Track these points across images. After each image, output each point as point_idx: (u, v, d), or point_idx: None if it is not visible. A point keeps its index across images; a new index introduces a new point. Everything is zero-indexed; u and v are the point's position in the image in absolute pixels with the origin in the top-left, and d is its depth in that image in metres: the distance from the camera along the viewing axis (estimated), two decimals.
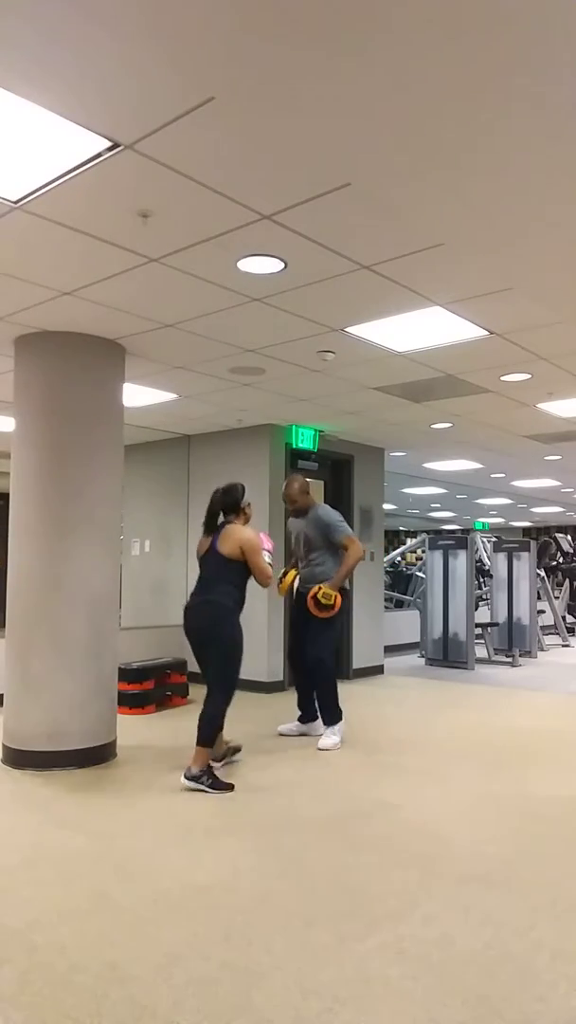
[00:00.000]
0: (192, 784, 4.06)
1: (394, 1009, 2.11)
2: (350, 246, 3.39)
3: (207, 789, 4.04)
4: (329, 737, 5.08)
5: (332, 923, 2.61)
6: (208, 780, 4.07)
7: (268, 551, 4.46)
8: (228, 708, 4.29)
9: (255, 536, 4.40)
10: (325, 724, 5.18)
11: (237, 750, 4.72)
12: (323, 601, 5.12)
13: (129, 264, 3.60)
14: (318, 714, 5.34)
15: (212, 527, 4.47)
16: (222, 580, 4.32)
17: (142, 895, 2.83)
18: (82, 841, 3.37)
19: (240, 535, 4.35)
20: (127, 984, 2.22)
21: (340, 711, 5.20)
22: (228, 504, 4.50)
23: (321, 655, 5.22)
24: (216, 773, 4.18)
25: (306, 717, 5.48)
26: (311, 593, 5.17)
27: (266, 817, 3.73)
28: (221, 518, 4.50)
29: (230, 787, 4.10)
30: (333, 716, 5.17)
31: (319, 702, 5.24)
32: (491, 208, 3.02)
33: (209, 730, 4.16)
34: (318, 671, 5.23)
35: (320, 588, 5.15)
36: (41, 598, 4.57)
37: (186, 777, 4.08)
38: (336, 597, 5.14)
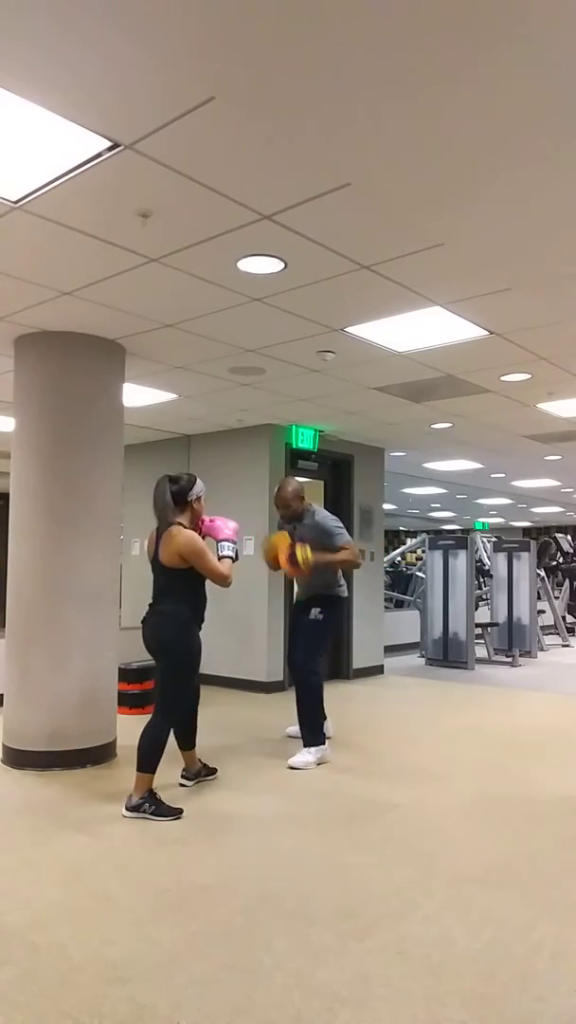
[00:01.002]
0: (133, 815, 3.63)
1: (394, 1009, 2.11)
2: (350, 246, 3.39)
3: (151, 817, 3.62)
4: (303, 755, 4.64)
5: (332, 923, 2.61)
6: (151, 807, 3.64)
7: (229, 540, 3.92)
8: (171, 728, 3.89)
9: (195, 538, 3.79)
10: (305, 743, 4.71)
11: (213, 772, 4.33)
12: (298, 558, 4.62)
13: (129, 264, 3.60)
14: (326, 715, 5.13)
15: (163, 526, 3.85)
16: (170, 590, 3.85)
17: (142, 895, 2.83)
18: (82, 841, 3.37)
19: (178, 542, 3.75)
20: (127, 984, 2.22)
21: (322, 735, 4.78)
22: (174, 495, 3.84)
23: (307, 666, 4.88)
24: (172, 793, 3.84)
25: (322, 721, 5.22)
26: (293, 547, 4.68)
27: (266, 817, 3.73)
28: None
29: (178, 813, 3.66)
30: (313, 736, 4.71)
31: (298, 716, 4.83)
32: (491, 208, 3.02)
33: (149, 753, 3.72)
34: (301, 682, 4.87)
35: (304, 550, 4.64)
36: (41, 598, 4.57)
37: (127, 808, 3.65)
38: (309, 564, 4.62)
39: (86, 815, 3.73)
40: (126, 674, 6.02)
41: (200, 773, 4.27)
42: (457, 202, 2.97)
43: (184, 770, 4.21)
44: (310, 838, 3.43)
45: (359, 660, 8.38)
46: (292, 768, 4.56)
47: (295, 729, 5.01)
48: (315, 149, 2.61)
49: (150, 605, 3.94)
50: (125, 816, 3.66)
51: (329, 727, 5.18)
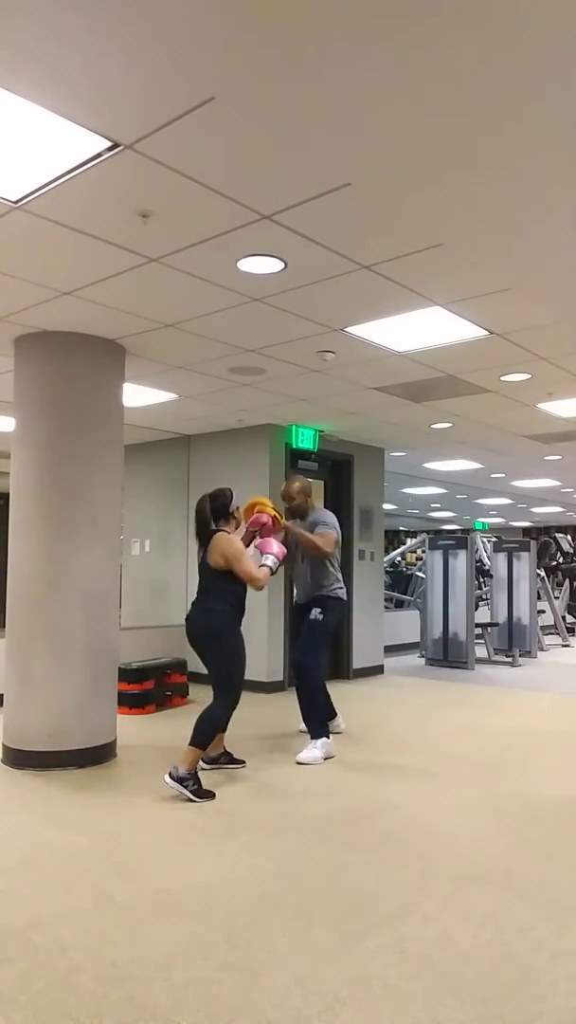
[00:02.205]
0: (175, 785, 3.89)
1: (394, 1009, 2.11)
2: (350, 246, 3.39)
3: (189, 795, 3.87)
4: (310, 751, 4.76)
5: (332, 923, 2.61)
6: (193, 785, 3.91)
7: (273, 555, 4.39)
8: (231, 713, 4.24)
9: (238, 544, 4.32)
10: (312, 736, 4.86)
11: (239, 763, 4.57)
12: (272, 511, 4.69)
13: (129, 264, 3.60)
14: (336, 712, 5.24)
15: (204, 536, 4.36)
16: (215, 589, 4.31)
17: (142, 895, 2.83)
18: (82, 841, 3.37)
19: (222, 544, 4.25)
20: (127, 984, 2.22)
21: (326, 727, 4.94)
22: (216, 510, 4.38)
23: (304, 661, 4.97)
24: (200, 777, 4.02)
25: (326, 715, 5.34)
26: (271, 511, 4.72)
27: (266, 817, 3.73)
28: (212, 525, 4.36)
29: (212, 796, 3.94)
30: (315, 729, 4.87)
31: (301, 711, 4.96)
32: (491, 208, 3.02)
33: (205, 731, 4.06)
34: (301, 677, 4.98)
35: (283, 522, 4.77)
36: (41, 598, 4.57)
37: (171, 776, 3.92)
38: (278, 524, 4.69)
39: (86, 815, 3.73)
40: (126, 674, 6.02)
41: (219, 760, 4.52)
42: (457, 202, 2.97)
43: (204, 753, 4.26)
44: (310, 838, 3.43)
45: (359, 660, 8.38)
46: (300, 763, 4.65)
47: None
48: (315, 149, 2.61)
49: (194, 603, 4.41)
50: (166, 783, 3.91)
51: (340, 723, 5.41)
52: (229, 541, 4.28)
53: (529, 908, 2.74)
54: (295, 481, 5.25)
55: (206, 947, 2.44)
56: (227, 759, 4.57)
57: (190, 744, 4.01)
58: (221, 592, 4.29)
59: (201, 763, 4.22)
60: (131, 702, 6.07)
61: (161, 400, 6.38)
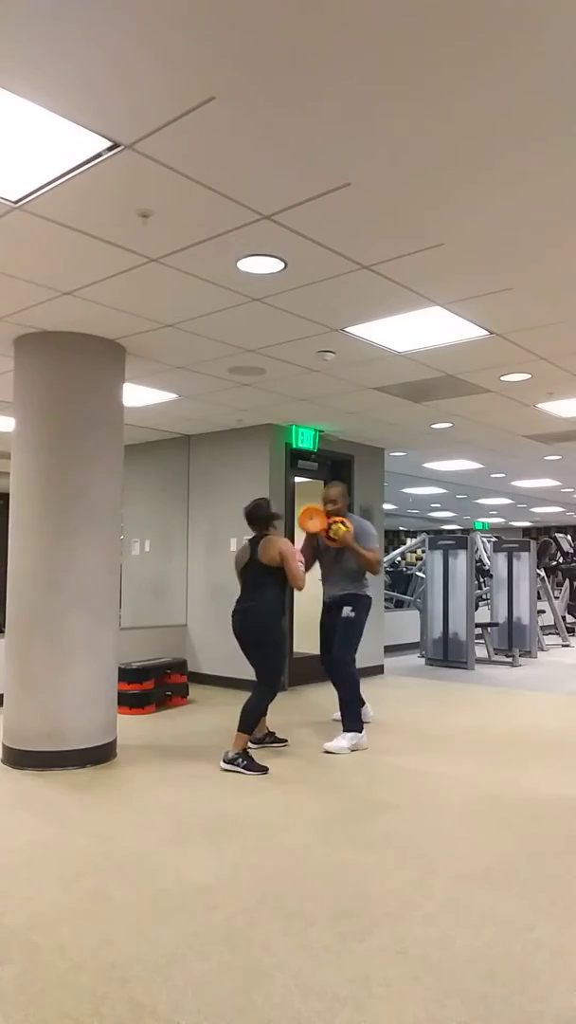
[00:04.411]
0: (229, 767, 4.41)
1: (394, 1009, 2.11)
2: (350, 246, 3.39)
3: (242, 771, 4.38)
4: (339, 740, 5.02)
5: (332, 923, 2.61)
6: (243, 762, 4.42)
7: (301, 561, 4.85)
8: (270, 701, 4.73)
9: (291, 545, 4.85)
10: (343, 728, 5.11)
11: (282, 741, 5.10)
12: (337, 527, 5.22)
13: (129, 264, 3.60)
14: (364, 700, 5.50)
15: (257, 537, 4.88)
16: (264, 586, 4.75)
17: (142, 895, 2.83)
18: (82, 841, 3.37)
19: (279, 544, 4.76)
20: (127, 984, 2.22)
21: (361, 723, 5.19)
22: (260, 519, 4.88)
23: (343, 657, 5.30)
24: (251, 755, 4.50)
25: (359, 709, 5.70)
26: (331, 521, 5.29)
27: (266, 817, 3.73)
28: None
29: (264, 769, 4.42)
30: (351, 722, 5.12)
31: (340, 704, 5.23)
32: (491, 208, 3.02)
33: (249, 718, 4.55)
34: (339, 672, 5.31)
35: (341, 525, 5.23)
36: (41, 597, 4.57)
37: (224, 760, 4.46)
38: (340, 535, 5.20)
39: (86, 815, 3.73)
40: (126, 674, 6.02)
41: (265, 740, 5.03)
42: (457, 202, 2.98)
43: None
44: (310, 838, 3.43)
45: (359, 660, 8.27)
46: (327, 752, 4.94)
47: (338, 715, 5.39)
48: (315, 149, 2.61)
49: (241, 600, 4.85)
50: (222, 768, 4.42)
51: (369, 712, 5.74)
52: (286, 542, 4.82)
53: (529, 908, 2.74)
54: (336, 486, 5.64)
55: (206, 947, 2.44)
56: (272, 739, 5.09)
57: (238, 730, 4.52)
58: (269, 588, 4.75)
59: (250, 744, 4.67)
60: (131, 702, 6.07)
61: (161, 400, 6.38)
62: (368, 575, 5.45)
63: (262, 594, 4.75)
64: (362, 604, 5.40)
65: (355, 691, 5.25)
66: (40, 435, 4.66)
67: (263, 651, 4.76)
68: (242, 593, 4.87)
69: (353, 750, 5.00)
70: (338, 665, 5.32)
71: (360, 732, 5.13)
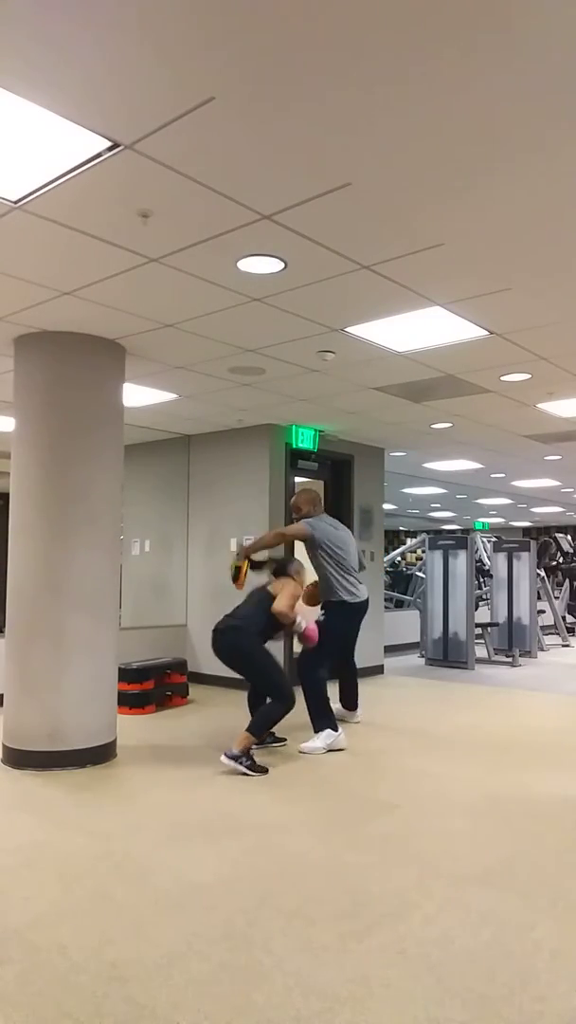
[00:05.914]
0: (230, 763, 4.39)
1: (394, 1009, 2.11)
2: (350, 246, 3.39)
3: (244, 770, 4.37)
4: (312, 741, 5.00)
5: (332, 923, 2.61)
6: (246, 762, 4.41)
7: (305, 626, 4.92)
8: (286, 713, 4.66)
9: (299, 594, 5.00)
10: (314, 729, 5.07)
11: (282, 741, 5.10)
12: (237, 574, 5.22)
13: (129, 264, 3.60)
14: (358, 704, 5.69)
15: (279, 574, 5.12)
16: (261, 612, 4.84)
17: (142, 895, 2.83)
18: (82, 841, 3.37)
19: (291, 586, 4.96)
20: (127, 984, 2.22)
21: (334, 721, 5.11)
22: (281, 568, 5.13)
23: (309, 660, 5.17)
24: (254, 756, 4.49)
25: (347, 704, 5.93)
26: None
27: (266, 817, 3.73)
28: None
29: (265, 771, 4.42)
30: (320, 721, 5.07)
31: (307, 706, 5.13)
32: (491, 208, 3.02)
33: (260, 723, 4.58)
34: (301, 675, 5.18)
35: (244, 564, 5.24)
36: (41, 597, 4.57)
37: (226, 755, 4.43)
38: (240, 569, 5.20)
39: (86, 815, 3.73)
40: (126, 674, 6.02)
41: (265, 740, 4.92)
42: (457, 202, 2.98)
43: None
44: (310, 838, 3.43)
45: (359, 660, 8.25)
46: (302, 752, 4.95)
47: (338, 708, 5.52)
48: (315, 149, 2.61)
49: (228, 615, 4.93)
50: (222, 761, 4.39)
51: (358, 715, 5.91)
52: (295, 586, 5.02)
53: (529, 908, 2.74)
54: (302, 493, 5.65)
55: (206, 947, 2.44)
56: (272, 738, 5.07)
57: (246, 730, 4.50)
58: (257, 613, 4.84)
59: (253, 745, 4.66)
60: (131, 702, 6.07)
61: (161, 400, 6.38)
62: (341, 580, 5.31)
63: (247, 615, 4.85)
64: (333, 609, 5.32)
65: (317, 693, 5.13)
66: (40, 435, 4.66)
67: (254, 669, 4.82)
68: (238, 607, 4.95)
69: (329, 750, 4.96)
70: (301, 668, 5.23)
71: (336, 730, 5.06)
